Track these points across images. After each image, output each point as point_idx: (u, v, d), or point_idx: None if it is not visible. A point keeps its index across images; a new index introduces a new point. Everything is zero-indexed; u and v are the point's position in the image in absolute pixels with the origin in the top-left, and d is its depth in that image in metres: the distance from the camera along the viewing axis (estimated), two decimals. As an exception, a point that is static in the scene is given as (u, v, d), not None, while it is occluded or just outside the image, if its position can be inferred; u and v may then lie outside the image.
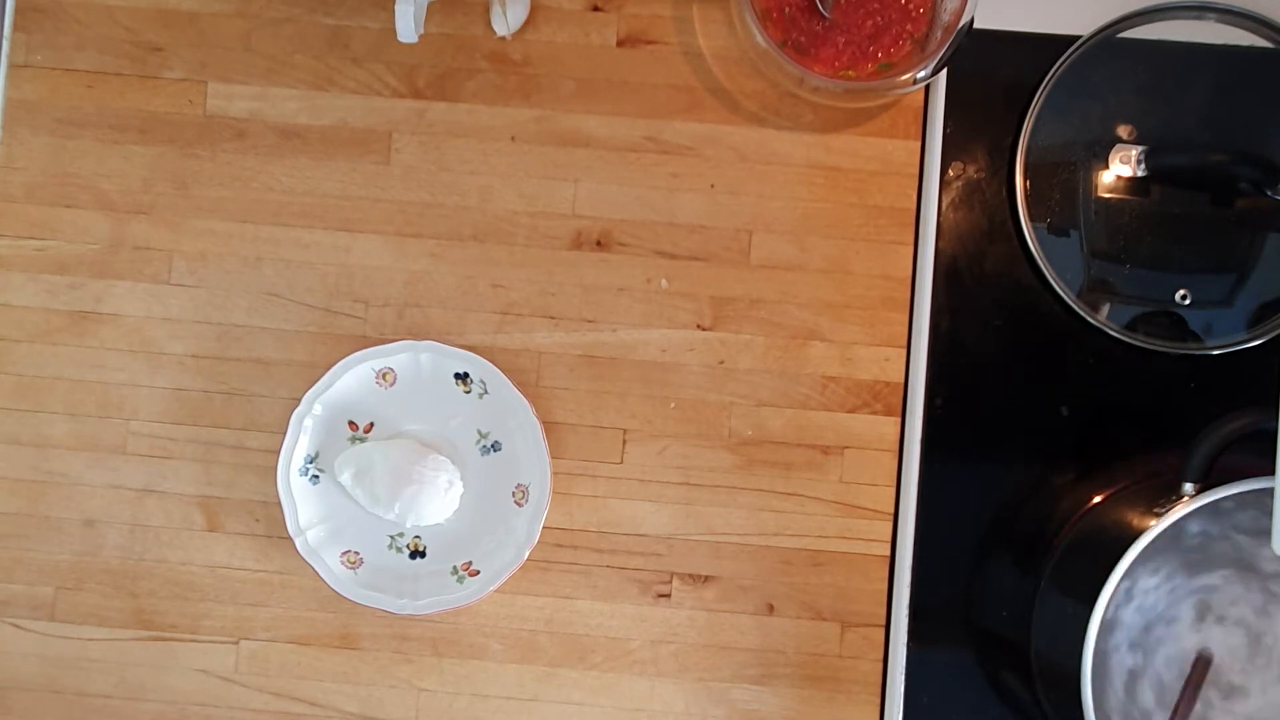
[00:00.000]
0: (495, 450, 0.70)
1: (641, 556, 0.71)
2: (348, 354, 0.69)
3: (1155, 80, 0.71)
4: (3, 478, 0.71)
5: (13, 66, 0.72)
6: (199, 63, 0.72)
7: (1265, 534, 0.62)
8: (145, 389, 0.71)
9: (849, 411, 0.71)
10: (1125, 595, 0.65)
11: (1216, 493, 0.59)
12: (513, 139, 0.72)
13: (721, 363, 0.71)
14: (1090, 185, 0.71)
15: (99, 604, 0.71)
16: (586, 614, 0.71)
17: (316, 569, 0.68)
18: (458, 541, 0.70)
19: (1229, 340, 0.71)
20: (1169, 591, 0.66)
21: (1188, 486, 0.60)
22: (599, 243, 0.72)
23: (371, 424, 0.70)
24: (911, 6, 0.68)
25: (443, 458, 0.69)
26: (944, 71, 0.69)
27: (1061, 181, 0.71)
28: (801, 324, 0.71)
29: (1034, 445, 0.72)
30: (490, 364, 0.69)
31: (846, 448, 0.71)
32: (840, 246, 0.72)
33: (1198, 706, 0.64)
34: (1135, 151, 0.69)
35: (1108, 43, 0.70)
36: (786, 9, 0.68)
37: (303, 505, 0.69)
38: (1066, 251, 0.71)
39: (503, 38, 0.68)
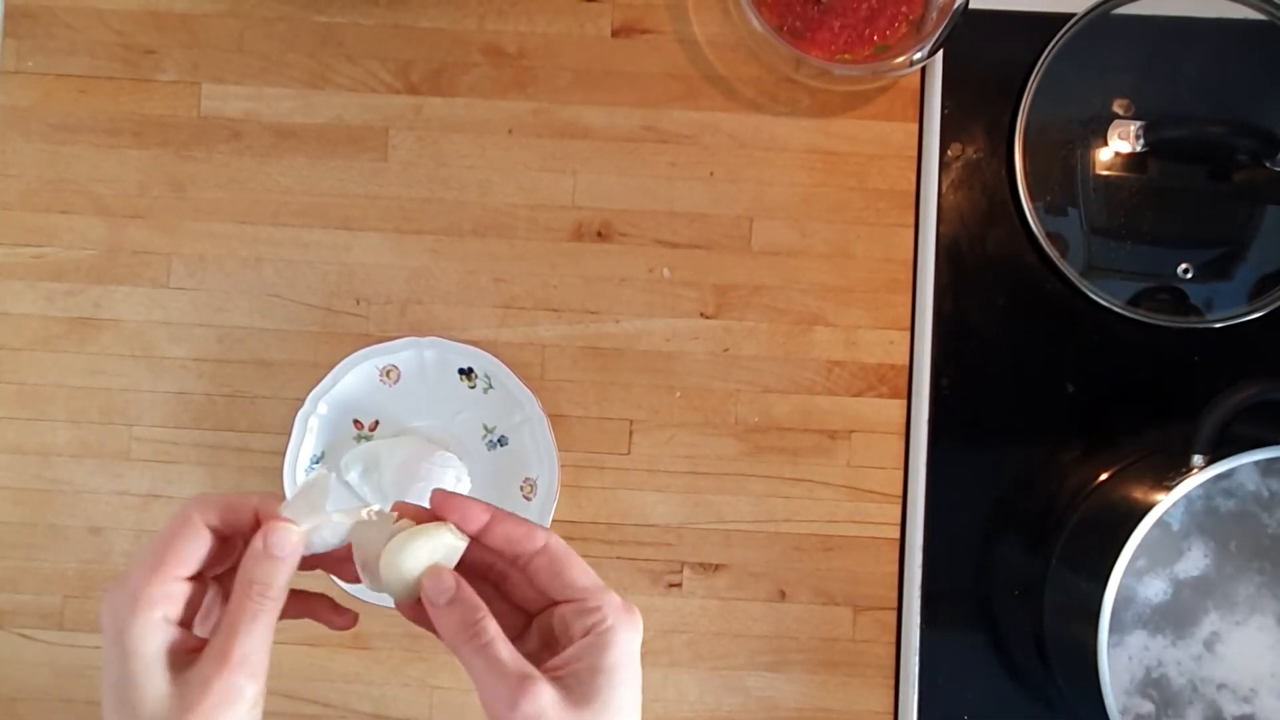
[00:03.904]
0: (502, 445, 0.70)
1: (652, 547, 0.71)
2: (351, 352, 0.68)
3: (1151, 55, 0.71)
4: (7, 487, 0.71)
5: (4, 73, 0.71)
6: (192, 64, 0.72)
7: (1275, 501, 0.63)
8: (148, 394, 0.71)
9: (855, 395, 0.71)
10: (1137, 569, 0.65)
11: (1226, 463, 0.59)
12: (510, 132, 0.72)
13: (726, 350, 0.71)
14: (1089, 162, 0.71)
15: (107, 611, 0.71)
16: (598, 606, 0.71)
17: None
18: (467, 537, 0.70)
19: (1231, 313, 0.71)
20: (1182, 562, 0.66)
21: (1197, 458, 0.60)
22: (600, 233, 0.72)
23: (377, 422, 0.70)
24: (906, -12, 0.68)
25: (449, 453, 0.69)
26: (940, 53, 0.68)
27: (1060, 159, 0.71)
28: (805, 309, 0.71)
29: (1040, 423, 0.72)
30: (494, 358, 0.69)
31: (853, 431, 0.71)
32: (841, 230, 0.72)
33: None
34: (1133, 127, 0.70)
35: (1102, 19, 0.70)
36: (781, -6, 0.68)
37: (310, 505, 0.69)
38: (1067, 229, 0.71)
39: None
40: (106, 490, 0.71)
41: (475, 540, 0.45)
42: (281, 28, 0.72)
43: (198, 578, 0.43)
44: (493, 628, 0.42)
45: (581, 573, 0.44)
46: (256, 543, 0.43)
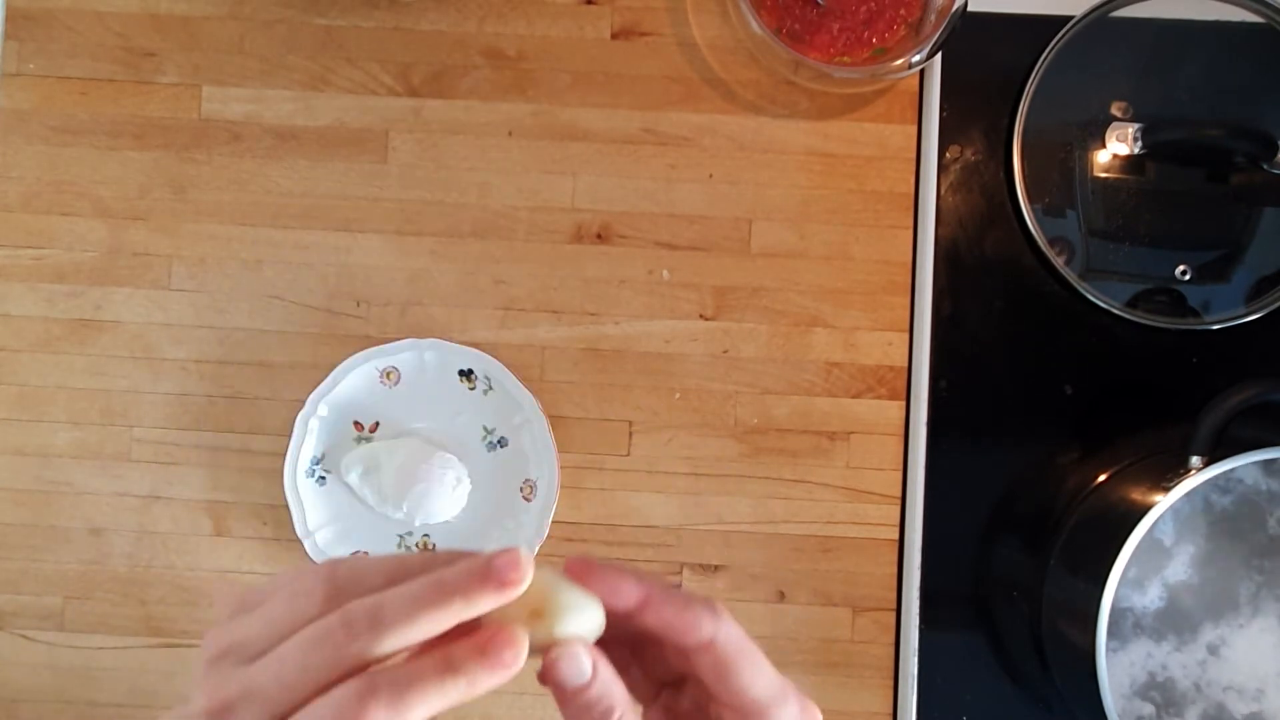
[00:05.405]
0: (502, 446, 0.70)
1: (651, 548, 0.71)
2: (351, 354, 0.69)
3: (1149, 58, 0.71)
4: (8, 488, 0.71)
5: (5, 75, 0.72)
6: (192, 66, 0.72)
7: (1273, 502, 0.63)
8: (148, 395, 0.71)
9: (853, 397, 0.71)
10: (1135, 571, 0.65)
11: (1224, 465, 0.59)
12: (510, 134, 0.72)
13: (725, 352, 0.72)
14: (1087, 164, 0.71)
15: (108, 612, 0.71)
16: (598, 607, 0.71)
17: (326, 570, 0.68)
18: (467, 538, 0.70)
19: (1229, 315, 0.71)
20: (1181, 565, 0.66)
21: (1195, 459, 0.60)
22: (599, 235, 0.72)
23: (377, 423, 0.70)
24: (905, -9, 0.68)
25: (449, 455, 0.69)
26: (939, 55, 0.69)
27: (1059, 162, 0.71)
28: (804, 311, 0.72)
29: (1039, 425, 0.72)
30: (494, 360, 0.69)
31: (852, 433, 0.71)
32: (840, 233, 0.72)
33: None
34: (1131, 129, 0.70)
35: (1100, 22, 0.71)
36: (780, -4, 0.68)
37: (310, 507, 0.69)
38: (1066, 231, 0.71)
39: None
40: (107, 492, 0.71)
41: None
42: (282, 30, 0.72)
43: None
44: None
45: (753, 677, 0.36)
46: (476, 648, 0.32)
